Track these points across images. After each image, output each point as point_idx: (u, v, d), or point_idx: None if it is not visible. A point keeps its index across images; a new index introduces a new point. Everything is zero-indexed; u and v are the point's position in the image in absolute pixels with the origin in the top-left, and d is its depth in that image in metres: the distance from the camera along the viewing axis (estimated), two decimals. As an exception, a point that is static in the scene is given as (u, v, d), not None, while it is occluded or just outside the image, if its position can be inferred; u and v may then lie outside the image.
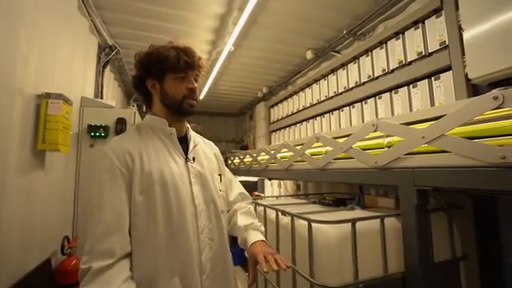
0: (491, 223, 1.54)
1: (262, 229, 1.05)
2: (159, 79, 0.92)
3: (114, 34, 2.71)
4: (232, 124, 6.76)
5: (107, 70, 2.99)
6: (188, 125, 1.04)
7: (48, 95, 1.56)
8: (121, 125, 2.25)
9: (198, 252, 0.85)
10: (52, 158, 1.72)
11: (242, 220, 1.04)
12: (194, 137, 1.04)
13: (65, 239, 1.80)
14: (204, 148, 1.06)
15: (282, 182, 3.93)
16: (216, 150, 1.14)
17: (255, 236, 0.97)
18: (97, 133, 2.18)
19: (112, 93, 3.47)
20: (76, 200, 2.13)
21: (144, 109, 4.85)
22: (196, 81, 0.96)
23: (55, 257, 1.79)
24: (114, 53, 2.78)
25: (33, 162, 1.51)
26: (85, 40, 2.35)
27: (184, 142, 0.98)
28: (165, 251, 0.80)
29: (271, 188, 4.53)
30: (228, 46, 2.78)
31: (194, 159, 0.95)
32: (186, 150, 0.96)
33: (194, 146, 1.00)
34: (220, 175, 1.06)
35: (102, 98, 2.75)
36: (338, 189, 2.87)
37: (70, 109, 1.72)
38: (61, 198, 1.91)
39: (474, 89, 1.60)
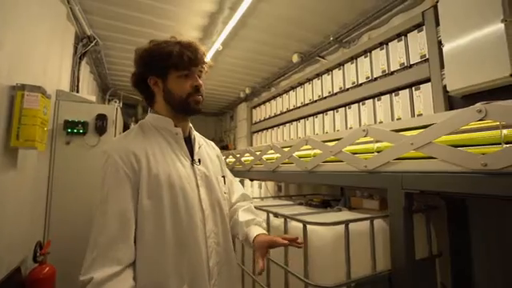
0: (462, 223, 1.69)
1: (264, 225, 1.04)
2: (162, 77, 0.88)
3: (93, 24, 2.53)
4: (212, 123, 6.67)
5: (83, 61, 2.79)
6: (191, 124, 1.01)
7: (23, 87, 1.42)
8: (101, 121, 2.10)
9: (207, 258, 0.83)
10: (25, 155, 1.56)
11: (243, 216, 1.02)
12: (198, 137, 1.02)
13: (37, 245, 1.64)
14: (207, 149, 1.04)
15: (262, 182, 3.96)
16: (218, 150, 1.12)
17: (258, 230, 0.96)
18: (74, 129, 2.02)
19: (87, 87, 3.24)
20: (48, 202, 1.96)
21: (120, 104, 4.61)
22: (200, 77, 0.92)
23: (25, 264, 1.63)
24: (92, 44, 2.60)
25: (4, 160, 1.36)
26: (62, 28, 2.17)
27: (188, 142, 0.95)
28: (174, 258, 0.77)
29: (251, 189, 4.53)
30: (216, 45, 2.75)
31: (199, 161, 0.93)
32: (190, 151, 0.93)
33: (199, 147, 0.97)
34: (223, 177, 1.05)
35: (77, 91, 2.56)
36: (320, 190, 2.97)
37: (48, 102, 1.58)
38: (32, 199, 1.75)
39: (450, 100, 1.75)
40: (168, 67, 0.86)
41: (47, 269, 1.66)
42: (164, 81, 0.88)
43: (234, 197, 1.10)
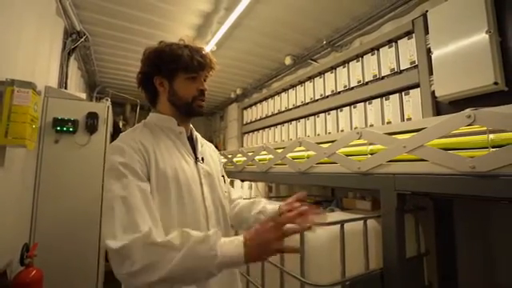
0: (448, 222, 1.78)
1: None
2: (169, 78, 0.89)
3: (84, 20, 2.46)
4: (201, 123, 6.61)
5: (72, 58, 2.70)
6: (191, 125, 1.01)
7: (13, 82, 1.37)
8: (92, 119, 2.05)
9: None
10: (12, 154, 1.50)
11: (247, 201, 1.06)
12: (199, 137, 1.03)
13: (24, 247, 1.58)
14: (208, 149, 1.05)
15: (253, 183, 3.97)
16: (217, 152, 1.13)
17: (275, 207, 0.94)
18: (64, 127, 1.95)
19: (75, 83, 3.15)
20: (35, 202, 1.88)
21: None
22: (205, 81, 0.95)
23: (10, 268, 1.56)
24: (82, 39, 2.52)
25: (-8, 158, 1.30)
26: (51, 22, 2.10)
27: (190, 141, 0.96)
28: None
29: (242, 189, 4.54)
30: (210, 45, 2.74)
31: (202, 159, 0.94)
32: (193, 149, 0.94)
33: (201, 146, 0.98)
34: (223, 177, 1.06)
35: (66, 88, 2.48)
36: (311, 191, 3.01)
37: (38, 99, 1.53)
38: (18, 200, 1.68)
39: (437, 106, 1.83)
40: (177, 69, 0.87)
41: (34, 272, 1.59)
42: (170, 82, 0.89)
43: (233, 195, 1.12)
